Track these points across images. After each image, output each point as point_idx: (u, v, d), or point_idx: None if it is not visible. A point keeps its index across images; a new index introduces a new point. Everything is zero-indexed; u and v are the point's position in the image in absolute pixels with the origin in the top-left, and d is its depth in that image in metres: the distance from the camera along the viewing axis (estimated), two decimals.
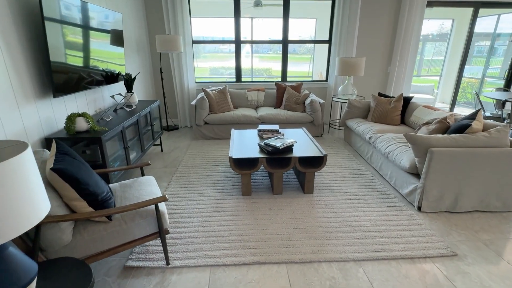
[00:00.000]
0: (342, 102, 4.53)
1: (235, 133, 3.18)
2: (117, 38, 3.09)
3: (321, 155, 2.51)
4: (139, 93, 4.17)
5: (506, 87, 5.32)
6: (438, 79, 8.03)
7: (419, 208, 2.36)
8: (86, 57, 2.49)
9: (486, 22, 6.55)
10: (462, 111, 7.13)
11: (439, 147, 2.21)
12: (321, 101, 4.14)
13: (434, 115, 3.10)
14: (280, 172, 2.54)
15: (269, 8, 7.42)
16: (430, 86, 7.56)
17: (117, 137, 2.46)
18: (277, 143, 2.58)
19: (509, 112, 4.19)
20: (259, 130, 3.08)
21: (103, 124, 2.38)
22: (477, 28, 6.85)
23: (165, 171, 3.17)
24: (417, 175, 2.43)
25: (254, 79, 9.38)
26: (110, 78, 2.99)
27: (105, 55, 2.85)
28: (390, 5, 4.57)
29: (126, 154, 2.52)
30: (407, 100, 3.63)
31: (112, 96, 2.87)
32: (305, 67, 10.97)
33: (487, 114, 4.38)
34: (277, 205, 2.43)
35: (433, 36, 7.78)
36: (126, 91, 3.40)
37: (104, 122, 2.46)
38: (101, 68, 2.76)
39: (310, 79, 9.46)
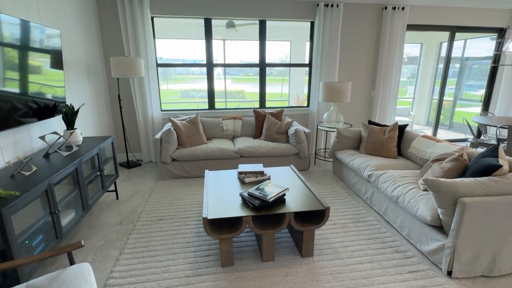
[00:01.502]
0: (328, 131, 4.12)
1: (209, 176, 2.56)
2: (54, 58, 2.41)
3: (322, 208, 1.96)
4: (90, 128, 3.41)
5: (484, 110, 5.28)
6: (410, 101, 8.08)
7: (449, 273, 1.86)
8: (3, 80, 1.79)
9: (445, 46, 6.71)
10: (438, 134, 7.10)
11: (470, 196, 1.76)
12: (307, 130, 3.68)
13: (438, 148, 2.72)
14: (271, 233, 1.94)
15: (242, 30, 7.11)
16: (405, 109, 7.53)
17: (40, 200, 1.73)
18: (265, 193, 2.00)
19: (499, 137, 4.01)
20: (240, 173, 2.49)
21: (18, 182, 1.65)
22: (443, 52, 7.01)
23: (119, 230, 2.43)
24: (440, 227, 1.96)
25: (228, 105, 8.89)
26: (44, 111, 2.27)
27: (35, 78, 2.15)
28: (371, 28, 4.36)
29: (55, 222, 1.78)
30: (401, 129, 3.27)
31: (42, 137, 2.13)
32: (276, 88, 10.75)
33: (471, 139, 4.18)
34: (270, 281, 1.81)
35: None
36: (65, 128, 2.66)
37: (21, 177, 1.73)
38: (27, 96, 2.05)
39: (285, 103, 9.18)
